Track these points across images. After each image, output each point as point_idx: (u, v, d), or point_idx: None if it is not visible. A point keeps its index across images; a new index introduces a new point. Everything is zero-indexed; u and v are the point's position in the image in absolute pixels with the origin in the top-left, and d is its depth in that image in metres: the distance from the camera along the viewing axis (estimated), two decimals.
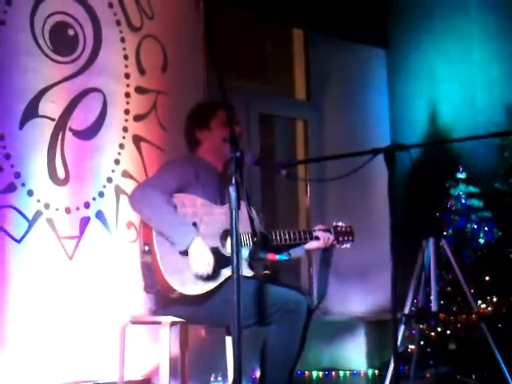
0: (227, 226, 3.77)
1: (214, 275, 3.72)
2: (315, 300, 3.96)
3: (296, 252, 4.09)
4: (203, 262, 3.68)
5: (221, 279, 3.76)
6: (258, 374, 3.97)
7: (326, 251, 4.10)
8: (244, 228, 3.72)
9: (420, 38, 7.51)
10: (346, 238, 4.12)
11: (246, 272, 3.83)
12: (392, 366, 4.59)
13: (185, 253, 3.69)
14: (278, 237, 3.96)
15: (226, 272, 3.75)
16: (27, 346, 4.55)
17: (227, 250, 3.82)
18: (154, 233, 3.71)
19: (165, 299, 3.80)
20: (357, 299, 6.85)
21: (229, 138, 3.14)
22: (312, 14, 6.69)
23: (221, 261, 3.75)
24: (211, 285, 3.74)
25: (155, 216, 3.70)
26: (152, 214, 3.71)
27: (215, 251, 3.76)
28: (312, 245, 4.07)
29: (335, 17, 6.79)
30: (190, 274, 3.69)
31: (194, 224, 3.78)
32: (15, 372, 4.49)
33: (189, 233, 3.70)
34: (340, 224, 4.14)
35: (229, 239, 3.82)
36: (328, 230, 4.12)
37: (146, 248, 3.73)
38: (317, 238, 4.05)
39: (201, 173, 3.94)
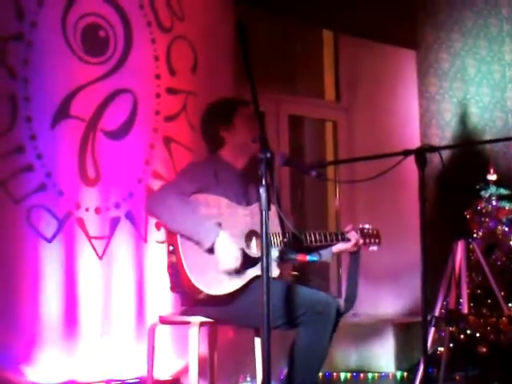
0: (251, 227, 3.77)
1: (240, 271, 3.69)
2: (345, 305, 3.91)
3: (325, 255, 4.04)
4: (230, 256, 3.64)
5: (246, 279, 3.73)
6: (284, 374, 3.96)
7: (355, 254, 4.05)
8: (273, 229, 3.71)
9: (450, 39, 7.48)
10: (372, 241, 4.08)
11: (273, 272, 3.77)
12: (421, 368, 4.57)
13: (211, 250, 3.65)
14: (309, 237, 3.90)
15: (252, 272, 3.73)
16: (58, 344, 4.59)
17: (252, 250, 3.80)
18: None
19: (192, 300, 3.80)
20: (386, 301, 6.82)
21: (258, 139, 3.10)
22: (342, 16, 6.68)
23: (246, 261, 3.71)
24: (237, 284, 3.72)
25: (174, 219, 3.65)
26: (171, 218, 3.66)
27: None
28: (341, 246, 4.03)
29: (365, 18, 6.77)
30: (215, 274, 3.67)
31: (219, 224, 3.71)
32: (45, 368, 4.53)
33: (212, 228, 3.65)
34: (366, 226, 4.10)
35: (254, 240, 3.81)
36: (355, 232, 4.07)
37: (171, 248, 3.72)
38: (348, 240, 4.01)
39: (220, 174, 3.88)
